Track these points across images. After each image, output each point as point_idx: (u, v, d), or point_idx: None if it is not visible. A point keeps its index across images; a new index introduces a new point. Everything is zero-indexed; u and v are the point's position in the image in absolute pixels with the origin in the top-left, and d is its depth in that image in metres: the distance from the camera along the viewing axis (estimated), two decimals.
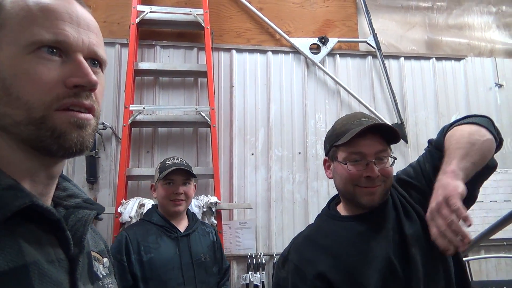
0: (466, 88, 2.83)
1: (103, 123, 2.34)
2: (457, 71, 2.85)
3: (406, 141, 2.66)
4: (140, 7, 2.38)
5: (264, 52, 2.65)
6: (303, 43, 2.67)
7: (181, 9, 2.48)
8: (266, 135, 2.56)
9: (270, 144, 2.54)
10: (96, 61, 0.57)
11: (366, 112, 2.63)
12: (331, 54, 2.71)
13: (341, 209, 1.13)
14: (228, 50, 2.61)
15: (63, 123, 0.51)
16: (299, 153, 2.58)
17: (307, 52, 2.66)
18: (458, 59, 2.87)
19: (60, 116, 0.50)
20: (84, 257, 0.55)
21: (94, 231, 0.70)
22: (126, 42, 2.43)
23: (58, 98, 0.50)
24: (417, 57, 2.83)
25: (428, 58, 2.83)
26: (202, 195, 2.25)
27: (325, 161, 1.14)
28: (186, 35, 2.57)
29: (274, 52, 2.66)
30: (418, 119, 2.75)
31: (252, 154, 2.52)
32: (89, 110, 0.53)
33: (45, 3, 0.53)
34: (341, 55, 2.74)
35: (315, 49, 2.69)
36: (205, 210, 2.17)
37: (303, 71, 2.67)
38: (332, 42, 2.69)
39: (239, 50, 2.62)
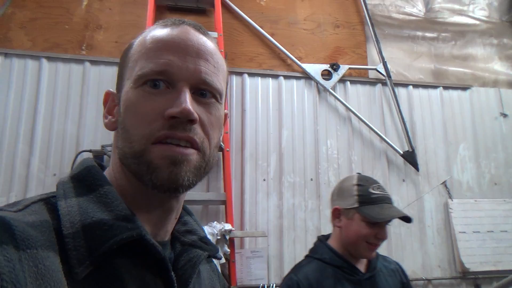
0: (472, 117, 2.86)
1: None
2: (463, 101, 2.89)
3: (418, 169, 2.64)
4: None
5: (275, 76, 2.63)
6: (315, 69, 2.66)
7: None
8: (278, 160, 2.50)
9: (282, 170, 2.48)
10: (205, 91, 0.52)
11: (377, 139, 2.62)
12: (341, 80, 2.71)
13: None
14: (240, 74, 2.58)
15: (157, 158, 0.48)
16: (311, 179, 2.53)
17: (318, 78, 2.65)
18: (464, 88, 2.91)
19: (155, 151, 0.48)
20: None
21: (214, 271, 0.66)
22: None
23: (155, 131, 0.49)
24: (425, 86, 2.86)
25: (436, 87, 2.87)
26: (215, 222, 2.15)
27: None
28: None
29: (285, 77, 2.65)
30: (427, 147, 2.75)
31: (264, 180, 2.46)
32: (190, 143, 0.49)
33: (157, 36, 0.53)
34: (352, 81, 2.74)
35: (327, 75, 2.69)
36: (219, 238, 2.07)
37: (314, 97, 2.65)
38: (343, 68, 2.70)
39: (251, 74, 2.59)
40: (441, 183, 2.66)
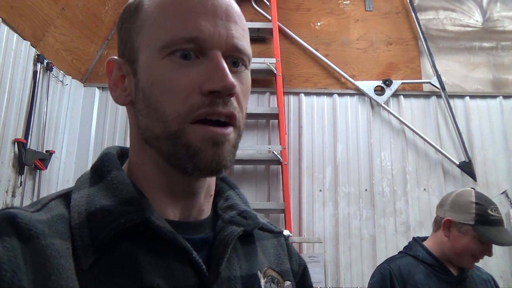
0: None
1: None
2: None
3: (475, 179, 2.66)
4: None
5: (330, 95, 2.84)
6: (368, 86, 2.83)
7: (256, 59, 2.76)
8: (333, 172, 2.70)
9: (337, 181, 2.68)
10: (237, 59, 0.49)
11: (432, 150, 2.70)
12: (395, 95, 2.83)
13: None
14: (297, 93, 2.84)
15: (197, 140, 0.45)
16: (366, 190, 2.69)
17: (371, 94, 2.81)
18: None
19: (195, 131, 0.45)
20: (222, 285, 0.48)
21: (281, 246, 0.62)
22: None
23: (193, 109, 0.45)
24: (483, 96, 2.86)
25: (495, 96, 2.86)
26: None
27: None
28: (259, 81, 2.84)
29: (340, 94, 2.85)
30: (486, 157, 2.75)
31: (320, 190, 2.67)
32: (229, 118, 0.47)
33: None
34: (405, 95, 2.85)
35: (379, 90, 2.83)
36: None
37: (368, 112, 2.81)
38: (396, 83, 2.82)
39: (307, 94, 2.84)
40: (501, 193, 2.65)
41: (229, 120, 0.47)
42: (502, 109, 2.83)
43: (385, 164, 2.73)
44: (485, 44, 2.99)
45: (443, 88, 2.79)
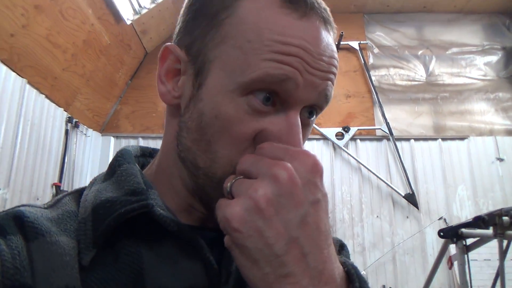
0: (470, 163, 3.43)
1: None
2: (461, 149, 3.47)
3: (418, 208, 3.27)
4: None
5: None
6: (330, 132, 3.49)
7: None
8: None
9: None
10: (314, 110, 0.43)
11: (383, 185, 3.33)
12: (352, 139, 3.49)
13: None
14: None
15: None
16: (329, 217, 3.27)
17: (333, 138, 3.46)
18: (462, 138, 3.50)
19: None
20: (234, 286, 0.43)
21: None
22: None
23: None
24: (425, 139, 3.51)
25: (435, 139, 3.50)
26: None
27: None
28: None
29: (308, 139, 3.49)
30: (428, 189, 3.37)
31: None
32: None
33: (284, 23, 0.39)
34: (361, 139, 3.50)
35: (340, 136, 3.49)
36: None
37: (331, 153, 3.46)
38: (353, 130, 3.48)
39: None
40: (439, 219, 3.25)
41: None
42: (441, 149, 3.47)
43: (345, 196, 3.36)
44: (427, 96, 3.65)
45: (391, 133, 3.44)
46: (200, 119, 0.42)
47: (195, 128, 0.42)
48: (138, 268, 0.40)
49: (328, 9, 0.43)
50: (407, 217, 3.30)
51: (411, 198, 3.28)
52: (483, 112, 3.59)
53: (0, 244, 0.37)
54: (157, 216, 0.41)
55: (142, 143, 3.47)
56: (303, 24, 0.39)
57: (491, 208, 3.29)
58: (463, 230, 2.00)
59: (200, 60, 0.43)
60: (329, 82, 0.42)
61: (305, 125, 0.43)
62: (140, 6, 3.13)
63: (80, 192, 0.48)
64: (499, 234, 1.66)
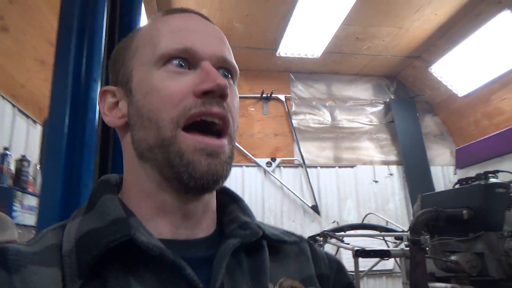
0: (356, 183, 5.01)
1: None
2: (351, 174, 5.04)
3: (320, 214, 4.79)
4: None
5: (240, 166, 4.89)
6: (262, 161, 4.90)
7: None
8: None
9: None
10: (226, 72, 0.53)
11: (298, 199, 4.82)
12: (278, 166, 4.94)
13: None
14: None
15: (189, 150, 0.46)
16: None
17: (264, 166, 4.89)
18: (352, 166, 5.08)
19: (186, 140, 0.46)
20: None
21: (302, 252, 0.59)
22: None
23: (185, 111, 0.47)
24: (328, 166, 5.05)
25: (334, 167, 5.05)
26: None
27: None
28: None
29: (246, 166, 4.90)
30: (328, 201, 4.91)
31: None
32: (222, 120, 0.49)
33: (173, 21, 0.53)
34: (284, 167, 4.97)
35: (269, 164, 4.92)
36: None
37: (262, 177, 4.89)
38: (278, 160, 4.93)
39: None
40: (333, 222, 4.81)
41: (223, 125, 0.48)
42: (338, 174, 5.02)
43: (272, 207, 4.80)
44: (331, 135, 5.19)
45: (304, 162, 4.93)
46: (137, 107, 0.50)
47: (137, 117, 0.50)
48: None
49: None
50: (313, 221, 4.81)
51: (315, 208, 4.80)
52: (367, 148, 5.19)
53: None
54: (139, 243, 0.44)
55: None
56: (183, 15, 0.54)
57: (370, 215, 4.93)
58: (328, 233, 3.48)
59: (124, 77, 0.53)
60: (222, 47, 0.53)
61: (228, 84, 0.51)
62: None
63: (63, 226, 0.50)
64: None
